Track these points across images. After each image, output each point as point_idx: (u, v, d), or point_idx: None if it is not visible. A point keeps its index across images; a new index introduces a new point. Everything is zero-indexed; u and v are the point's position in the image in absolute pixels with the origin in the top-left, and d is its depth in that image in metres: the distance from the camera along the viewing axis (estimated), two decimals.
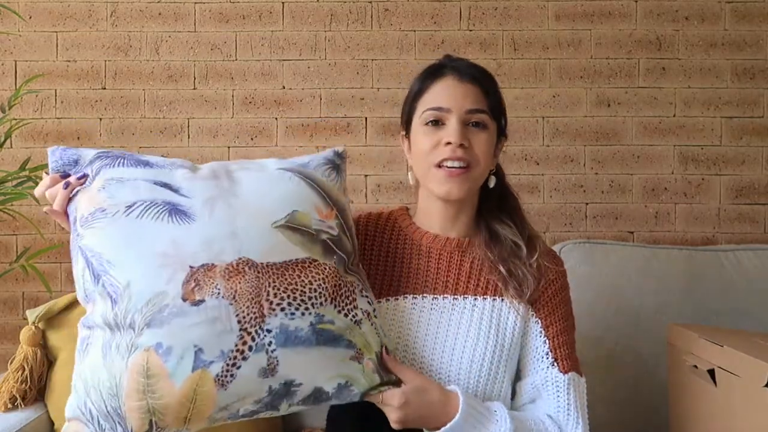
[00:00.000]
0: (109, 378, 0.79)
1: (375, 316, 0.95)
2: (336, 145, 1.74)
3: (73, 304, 1.29)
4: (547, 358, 1.02)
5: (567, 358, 1.02)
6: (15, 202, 1.45)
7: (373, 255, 1.10)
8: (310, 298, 0.88)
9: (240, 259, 0.85)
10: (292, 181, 0.96)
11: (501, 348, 1.00)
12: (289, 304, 0.86)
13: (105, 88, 1.76)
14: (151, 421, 0.80)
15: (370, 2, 1.75)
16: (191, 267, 0.82)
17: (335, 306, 0.90)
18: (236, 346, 0.82)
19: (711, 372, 1.08)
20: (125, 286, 0.81)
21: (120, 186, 0.87)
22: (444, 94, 1.02)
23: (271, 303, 0.85)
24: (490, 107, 1.02)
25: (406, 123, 1.08)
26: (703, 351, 1.12)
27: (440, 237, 1.07)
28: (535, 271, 1.03)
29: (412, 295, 1.04)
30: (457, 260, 1.06)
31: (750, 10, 1.74)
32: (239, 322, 0.82)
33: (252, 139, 1.76)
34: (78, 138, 1.74)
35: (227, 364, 0.81)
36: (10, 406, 1.23)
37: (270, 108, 1.76)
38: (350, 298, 0.93)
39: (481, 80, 1.04)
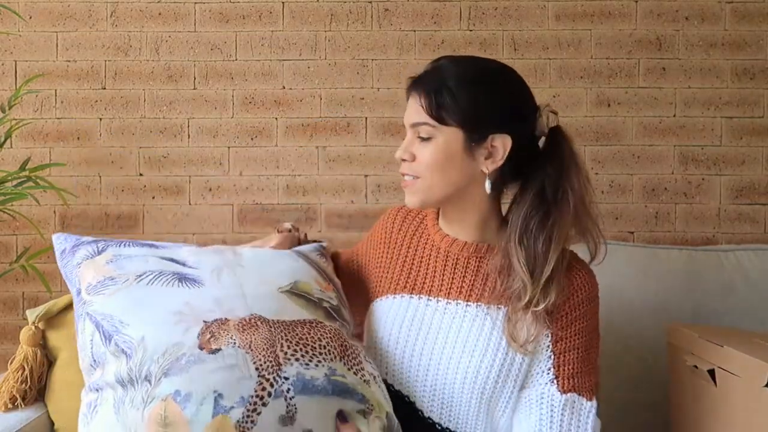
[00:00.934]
0: None
1: (380, 381, 0.96)
2: (336, 144, 1.75)
3: (73, 304, 1.29)
4: (548, 373, 0.97)
5: (570, 377, 0.97)
6: (15, 202, 1.45)
7: (395, 248, 1.11)
8: (320, 353, 0.89)
9: (252, 315, 0.87)
10: (291, 257, 1.03)
11: (511, 360, 0.97)
12: (303, 356, 0.87)
13: (105, 88, 1.76)
14: None
15: (370, 2, 1.75)
16: (205, 321, 0.84)
17: (344, 363, 0.91)
18: (256, 391, 0.81)
19: (711, 372, 1.08)
20: (139, 341, 0.81)
21: (128, 260, 0.91)
22: (407, 107, 1.03)
23: (286, 353, 0.86)
24: (434, 115, 0.95)
25: None
26: (703, 351, 1.12)
27: (458, 241, 1.04)
28: (540, 319, 0.95)
29: (426, 296, 1.03)
30: (473, 266, 1.03)
31: (750, 10, 1.74)
32: (257, 369, 0.83)
33: (252, 139, 1.76)
34: (78, 138, 1.75)
35: (248, 410, 0.80)
36: (10, 406, 1.23)
37: (270, 108, 1.76)
38: (357, 359, 0.94)
39: (427, 87, 0.96)
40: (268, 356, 0.84)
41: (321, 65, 1.76)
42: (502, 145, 0.97)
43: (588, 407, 0.97)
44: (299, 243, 1.18)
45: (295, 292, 0.95)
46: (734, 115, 1.75)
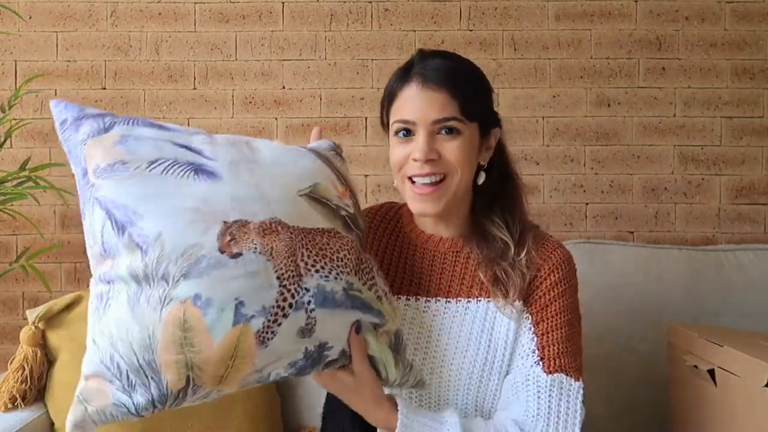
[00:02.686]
0: (140, 330, 0.74)
1: (391, 297, 0.94)
2: None
3: (73, 304, 1.29)
4: (533, 355, 0.96)
5: (556, 357, 0.95)
6: (15, 202, 1.45)
7: (373, 250, 1.09)
8: (338, 266, 0.86)
9: (273, 218, 0.82)
10: (309, 156, 0.95)
11: (494, 352, 0.97)
12: (322, 267, 0.84)
13: (105, 88, 1.76)
14: (188, 377, 0.74)
15: (370, 2, 1.75)
16: (225, 222, 0.79)
17: (359, 278, 0.89)
18: (277, 302, 0.78)
19: (711, 372, 1.08)
20: (156, 237, 0.76)
21: (138, 143, 0.82)
22: (410, 104, 0.96)
23: (306, 263, 0.82)
24: (463, 110, 0.95)
25: (384, 125, 1.05)
26: (703, 351, 1.12)
27: (434, 237, 1.05)
28: (524, 267, 0.98)
29: (405, 297, 1.03)
30: (450, 261, 1.03)
31: (750, 10, 1.74)
32: (278, 278, 0.79)
33: None
34: None
35: (268, 320, 0.77)
36: (10, 406, 1.23)
37: (270, 108, 1.76)
38: (371, 273, 0.91)
39: (448, 82, 0.96)
40: (290, 265, 0.81)
41: (321, 65, 1.76)
42: (495, 136, 1.04)
43: (576, 387, 0.95)
44: None
45: (314, 196, 0.89)
46: (734, 115, 1.75)
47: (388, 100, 1.01)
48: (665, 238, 1.75)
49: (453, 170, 0.96)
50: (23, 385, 1.24)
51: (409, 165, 0.97)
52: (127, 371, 0.74)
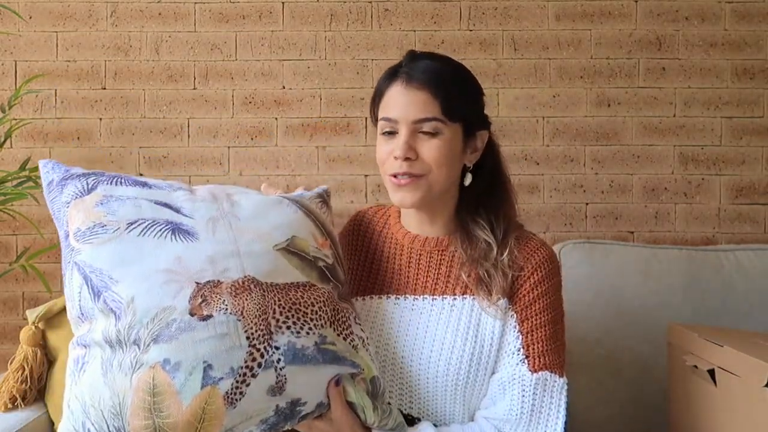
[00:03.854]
0: (111, 396, 0.76)
1: (368, 344, 0.96)
2: (336, 144, 1.75)
3: None
4: (518, 354, 0.97)
5: (541, 355, 0.97)
6: (15, 202, 1.45)
7: (360, 251, 1.12)
8: (312, 319, 0.87)
9: (246, 276, 0.84)
10: (290, 208, 0.97)
11: (480, 349, 0.98)
12: (294, 323, 0.85)
13: (105, 88, 1.76)
14: None
15: (370, 2, 1.75)
16: (197, 283, 0.81)
17: (334, 329, 0.90)
18: (246, 362, 0.80)
19: (711, 372, 1.08)
20: (129, 301, 0.79)
21: (120, 203, 0.86)
22: (393, 103, 0.99)
23: (278, 321, 0.84)
24: (444, 110, 0.97)
25: (374, 123, 1.06)
26: (703, 351, 1.12)
27: (420, 237, 1.07)
28: (507, 267, 0.99)
29: (395, 296, 1.05)
30: (436, 260, 1.05)
31: (750, 10, 1.74)
32: (248, 338, 0.81)
33: (252, 139, 1.76)
34: (78, 138, 1.75)
35: (237, 381, 0.79)
36: (10, 406, 1.23)
37: (270, 108, 1.76)
38: (346, 323, 0.93)
39: (431, 82, 0.97)
40: (260, 324, 0.82)
41: (321, 65, 1.76)
42: (482, 139, 1.05)
43: (561, 383, 0.98)
44: None
45: (291, 249, 0.91)
46: (734, 115, 1.75)
47: (377, 98, 1.04)
48: (665, 238, 1.75)
49: (428, 169, 0.98)
50: (23, 385, 1.24)
51: (391, 162, 0.99)
52: None
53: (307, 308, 0.87)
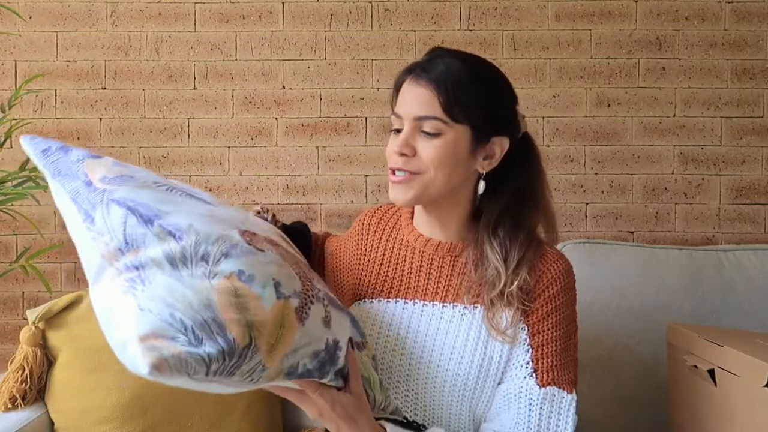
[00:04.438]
0: (195, 294, 0.73)
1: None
2: (336, 144, 1.75)
3: (73, 304, 1.29)
4: (527, 367, 0.95)
5: (549, 370, 0.95)
6: (15, 202, 1.45)
7: (371, 252, 1.09)
8: (321, 289, 0.91)
9: (267, 236, 0.88)
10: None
11: (489, 360, 0.96)
12: (318, 281, 0.89)
13: (105, 88, 1.76)
14: (251, 336, 0.74)
15: (370, 2, 1.75)
16: (238, 228, 0.83)
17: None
18: (303, 289, 0.82)
19: (711, 372, 1.08)
20: (188, 226, 0.78)
21: (135, 170, 0.87)
22: (401, 98, 0.98)
23: (305, 272, 0.87)
24: (447, 111, 0.93)
25: None
26: (703, 351, 1.12)
27: (432, 240, 1.03)
28: (514, 298, 0.95)
29: (404, 300, 1.02)
30: (448, 266, 1.02)
31: (750, 10, 1.74)
32: (297, 273, 0.84)
33: (252, 139, 1.76)
34: (78, 138, 1.74)
35: (303, 301, 0.81)
36: (10, 406, 1.23)
37: (270, 108, 1.76)
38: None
39: (439, 81, 0.93)
40: (298, 268, 0.85)
41: (321, 65, 1.76)
42: (500, 146, 0.99)
43: (569, 400, 0.95)
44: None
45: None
46: (734, 115, 1.75)
47: (394, 93, 1.03)
48: (665, 238, 1.75)
49: (423, 169, 0.95)
50: (23, 385, 1.24)
51: (391, 157, 0.98)
52: (192, 327, 0.71)
53: (313, 279, 0.89)
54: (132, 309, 0.72)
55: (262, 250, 0.82)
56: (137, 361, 0.67)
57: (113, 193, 0.80)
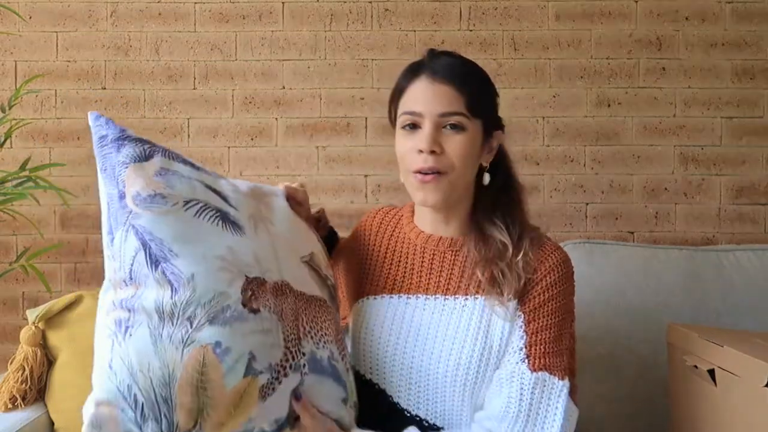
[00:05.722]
0: (161, 366, 0.77)
1: (350, 371, 1.00)
2: (336, 144, 1.75)
3: (73, 304, 1.29)
4: (520, 353, 0.97)
5: (542, 356, 0.96)
6: (15, 202, 1.45)
7: (375, 251, 1.12)
8: (326, 334, 0.92)
9: (282, 281, 0.88)
10: (306, 225, 1.04)
11: (489, 349, 0.98)
12: (315, 334, 0.90)
13: (105, 88, 1.76)
14: (197, 420, 0.77)
15: (370, 2, 1.75)
16: (247, 276, 0.84)
17: (337, 348, 0.95)
18: (281, 361, 0.83)
19: (711, 372, 1.08)
20: (189, 278, 0.80)
21: (177, 179, 0.86)
22: (417, 97, 0.99)
23: (305, 329, 0.88)
24: (468, 107, 0.97)
25: (393, 122, 1.06)
26: (703, 351, 1.12)
27: (434, 236, 1.06)
28: (521, 269, 0.99)
29: (406, 295, 1.05)
30: (449, 260, 1.05)
31: (750, 10, 1.74)
32: (284, 339, 0.84)
33: (252, 139, 1.76)
34: (78, 138, 1.74)
35: (272, 377, 0.82)
36: (10, 406, 1.23)
37: (270, 108, 1.76)
38: (343, 344, 0.98)
39: (457, 78, 0.98)
40: (294, 328, 0.86)
41: (321, 65, 1.76)
42: (497, 139, 1.06)
43: (560, 386, 0.96)
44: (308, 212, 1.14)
45: (311, 264, 0.97)
46: (734, 115, 1.75)
47: (397, 94, 1.03)
48: (665, 238, 1.75)
49: (451, 166, 0.98)
50: (23, 385, 1.24)
51: (414, 157, 0.98)
52: (143, 404, 0.76)
53: (323, 322, 0.92)
54: (104, 363, 0.79)
55: (257, 311, 0.82)
56: (84, 417, 0.78)
57: (137, 218, 0.82)
